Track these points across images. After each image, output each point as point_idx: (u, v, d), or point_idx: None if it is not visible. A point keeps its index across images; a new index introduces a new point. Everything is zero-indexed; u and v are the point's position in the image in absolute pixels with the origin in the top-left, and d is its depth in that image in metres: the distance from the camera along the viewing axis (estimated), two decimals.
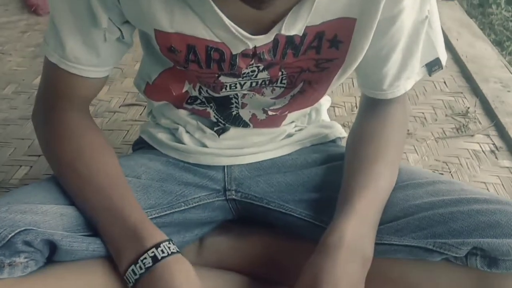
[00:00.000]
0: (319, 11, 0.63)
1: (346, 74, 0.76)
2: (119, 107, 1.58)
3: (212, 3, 0.61)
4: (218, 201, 0.86)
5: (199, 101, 0.83)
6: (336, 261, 0.63)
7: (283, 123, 0.88)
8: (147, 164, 0.85)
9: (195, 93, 0.81)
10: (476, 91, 1.69)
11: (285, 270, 0.84)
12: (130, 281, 0.64)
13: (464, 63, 1.84)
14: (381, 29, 0.67)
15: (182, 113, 0.87)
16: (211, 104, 0.83)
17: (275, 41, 0.66)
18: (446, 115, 1.56)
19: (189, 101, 0.84)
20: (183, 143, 0.87)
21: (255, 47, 0.66)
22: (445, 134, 1.46)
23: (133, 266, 0.63)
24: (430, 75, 0.78)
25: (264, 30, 0.64)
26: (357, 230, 0.66)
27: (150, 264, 0.62)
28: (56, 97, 0.75)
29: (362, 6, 0.64)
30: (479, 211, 0.64)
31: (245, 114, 0.84)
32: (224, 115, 0.84)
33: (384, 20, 0.66)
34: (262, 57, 0.68)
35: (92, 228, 0.69)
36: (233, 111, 0.83)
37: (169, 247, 0.65)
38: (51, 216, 0.65)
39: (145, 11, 0.64)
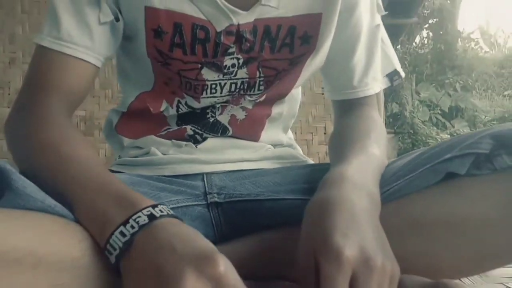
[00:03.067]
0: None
1: (316, 61, 0.81)
2: None
3: None
4: (198, 207, 0.76)
5: (175, 125, 0.82)
6: (343, 190, 0.55)
7: (262, 137, 0.86)
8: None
9: (172, 111, 0.81)
10: None
11: (282, 263, 0.71)
12: (115, 248, 0.49)
13: None
14: (342, 21, 0.78)
15: (154, 138, 0.83)
16: (188, 123, 0.82)
17: (255, 27, 0.74)
18: None
19: (163, 131, 0.83)
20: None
21: (238, 24, 0.72)
22: None
23: (121, 227, 0.49)
24: (392, 85, 0.86)
25: (246, 7, 0.72)
26: (358, 172, 0.60)
27: (146, 222, 0.49)
28: (42, 91, 0.70)
29: (325, 0, 0.75)
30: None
31: (223, 118, 0.83)
32: (202, 124, 0.82)
33: (344, 11, 0.77)
34: (244, 36, 0.73)
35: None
36: (210, 119, 0.82)
37: (168, 210, 0.52)
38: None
39: None
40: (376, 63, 0.83)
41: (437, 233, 0.59)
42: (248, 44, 0.75)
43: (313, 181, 0.73)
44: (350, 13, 0.79)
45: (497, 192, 0.57)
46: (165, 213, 0.51)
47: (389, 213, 0.59)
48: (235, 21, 0.73)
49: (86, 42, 0.72)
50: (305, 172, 0.80)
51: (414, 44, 10.22)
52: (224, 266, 0.44)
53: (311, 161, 0.91)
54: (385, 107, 7.72)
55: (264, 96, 0.82)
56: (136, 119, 0.85)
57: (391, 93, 8.08)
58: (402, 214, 0.61)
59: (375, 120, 0.81)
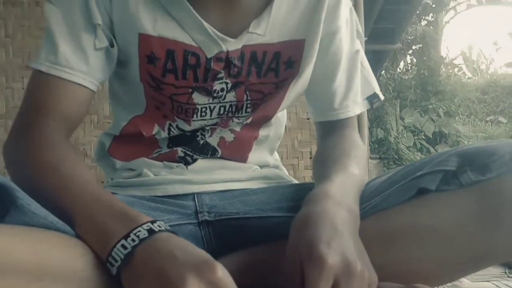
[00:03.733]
0: (276, 26, 0.79)
1: (299, 85, 0.85)
2: None
3: (191, 8, 0.74)
4: (190, 226, 0.79)
5: (166, 147, 0.85)
6: (326, 206, 0.60)
7: (250, 158, 0.89)
8: None
9: (164, 134, 0.84)
10: None
11: (270, 274, 0.73)
12: (117, 259, 0.52)
13: None
14: (324, 47, 0.83)
15: (146, 160, 0.86)
16: (179, 145, 0.85)
17: (243, 54, 0.78)
18: None
19: (154, 153, 0.86)
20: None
21: (227, 51, 0.77)
22: None
23: (123, 241, 0.53)
24: (372, 107, 0.91)
25: (235, 36, 0.77)
26: (339, 190, 0.65)
27: (146, 235, 0.53)
28: (40, 115, 0.72)
29: (308, 27, 0.81)
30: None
31: (213, 140, 0.86)
32: (192, 146, 0.85)
33: (325, 38, 0.83)
34: (233, 62, 0.78)
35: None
36: (200, 141, 0.85)
37: (165, 226, 0.57)
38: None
39: (132, 15, 0.75)
40: (356, 87, 0.87)
41: (411, 243, 0.64)
42: (236, 70, 0.79)
43: (297, 199, 0.77)
44: (331, 40, 0.84)
45: (463, 205, 0.62)
46: (163, 228, 0.55)
47: (368, 226, 0.63)
48: (224, 48, 0.77)
49: (82, 67, 0.75)
50: (290, 191, 0.83)
51: (398, 70, 10.41)
52: (222, 272, 0.49)
53: (296, 181, 0.95)
54: (370, 133, 7.82)
55: (251, 119, 0.86)
56: (128, 142, 0.87)
57: (376, 119, 8.19)
58: (380, 226, 0.65)
59: (355, 141, 0.85)
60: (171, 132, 0.84)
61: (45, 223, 0.54)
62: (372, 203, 0.68)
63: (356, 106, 0.88)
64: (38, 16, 2.66)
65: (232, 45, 0.78)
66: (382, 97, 0.91)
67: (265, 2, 0.79)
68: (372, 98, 0.89)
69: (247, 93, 0.82)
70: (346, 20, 0.85)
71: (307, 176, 2.61)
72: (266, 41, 0.79)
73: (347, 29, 0.86)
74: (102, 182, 0.94)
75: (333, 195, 0.63)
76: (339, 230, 0.56)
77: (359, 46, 0.88)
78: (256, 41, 0.79)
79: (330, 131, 0.88)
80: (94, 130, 2.35)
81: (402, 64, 10.81)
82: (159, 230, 0.54)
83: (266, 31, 0.78)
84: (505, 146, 0.62)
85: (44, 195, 0.61)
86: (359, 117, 3.44)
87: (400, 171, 0.70)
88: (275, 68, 0.81)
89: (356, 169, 0.74)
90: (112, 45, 0.77)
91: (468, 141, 9.72)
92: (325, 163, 0.78)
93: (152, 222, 0.55)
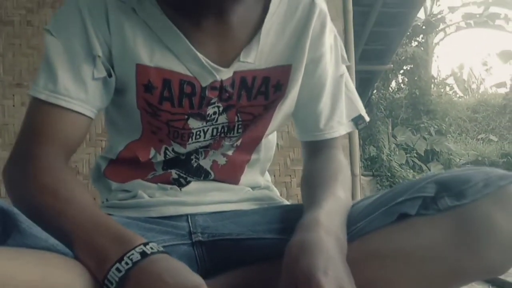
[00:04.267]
0: (264, 53, 0.83)
1: (286, 106, 0.89)
2: None
3: (187, 41, 0.78)
4: (184, 246, 0.82)
5: (161, 170, 0.88)
6: (318, 234, 0.64)
7: (241, 180, 0.92)
8: None
9: (160, 157, 0.86)
10: None
11: None
12: (112, 282, 0.56)
13: None
14: (309, 71, 0.87)
15: (141, 182, 0.89)
16: (173, 168, 0.88)
17: (233, 80, 0.82)
18: None
19: (150, 175, 0.88)
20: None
21: (221, 80, 0.81)
22: None
23: (117, 264, 0.57)
24: (358, 129, 0.94)
25: (227, 65, 0.81)
26: (328, 218, 0.68)
27: (139, 258, 0.57)
28: (40, 142, 0.74)
29: (294, 53, 0.85)
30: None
31: (206, 162, 0.89)
32: (186, 168, 0.88)
33: (310, 63, 0.87)
34: (226, 89, 0.81)
35: None
36: (194, 164, 0.88)
37: (158, 247, 0.60)
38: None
39: (130, 46, 0.78)
40: (340, 109, 0.91)
41: (394, 264, 0.68)
42: (228, 94, 0.83)
43: (288, 221, 0.81)
44: (316, 65, 0.88)
45: (441, 229, 0.66)
46: (155, 250, 0.59)
47: (354, 249, 0.67)
48: (218, 77, 0.81)
49: (81, 95, 0.77)
50: (281, 212, 0.86)
51: (390, 89, 10.53)
52: None
53: (286, 201, 0.98)
54: (363, 150, 7.87)
55: (240, 141, 0.89)
56: (124, 166, 0.90)
57: (369, 136, 8.26)
58: (365, 249, 0.69)
59: (341, 162, 0.89)
60: (167, 156, 0.87)
61: (46, 246, 0.58)
62: (358, 227, 0.71)
63: (341, 127, 0.91)
64: (29, 35, 2.71)
65: (225, 74, 0.81)
66: (367, 119, 0.95)
67: (253, 31, 0.83)
68: (357, 120, 0.93)
69: (238, 115, 0.85)
70: (330, 46, 0.89)
71: (300, 193, 2.64)
72: (255, 67, 0.83)
73: (332, 54, 0.90)
74: (101, 202, 0.96)
75: (323, 223, 0.66)
76: (332, 258, 0.60)
77: (344, 70, 0.92)
78: (246, 67, 0.82)
79: (316, 151, 0.92)
80: (86, 148, 2.37)
81: (393, 83, 10.97)
82: (152, 253, 0.58)
83: (255, 59, 0.82)
84: (478, 173, 0.67)
85: (44, 218, 0.64)
86: (350, 135, 3.47)
87: (383, 195, 0.74)
88: (264, 91, 0.85)
89: (342, 194, 0.78)
90: (110, 75, 0.80)
91: (460, 159, 9.81)
92: (314, 186, 0.81)
93: (145, 244, 0.59)
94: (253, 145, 0.92)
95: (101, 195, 0.94)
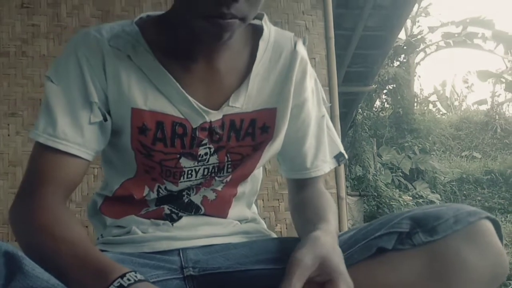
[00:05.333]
0: (251, 98, 0.88)
1: (273, 147, 0.94)
2: None
3: (178, 85, 0.83)
4: (176, 281, 0.84)
5: (154, 206, 0.91)
6: (328, 242, 0.72)
7: (229, 214, 0.96)
8: None
9: (153, 195, 0.90)
10: None
11: None
12: None
13: None
14: (294, 115, 0.93)
15: (135, 217, 0.92)
16: (165, 204, 0.91)
17: (223, 122, 0.87)
18: None
19: (143, 211, 0.91)
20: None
21: (210, 121, 0.85)
22: None
23: None
24: (339, 165, 1.01)
25: (216, 108, 0.86)
26: (325, 234, 0.74)
27: None
28: (40, 182, 0.79)
29: (279, 97, 0.91)
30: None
31: (196, 198, 0.92)
32: (177, 204, 0.92)
33: (295, 107, 0.92)
34: (215, 130, 0.86)
35: None
36: (185, 200, 0.92)
37: (135, 276, 0.63)
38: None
39: (125, 91, 0.83)
40: (324, 148, 0.97)
41: None
42: (218, 136, 0.87)
43: (275, 252, 0.85)
44: (300, 109, 0.93)
45: (416, 263, 0.71)
46: (132, 280, 0.62)
47: None
48: (208, 119, 0.85)
49: (78, 139, 0.81)
50: (268, 244, 0.90)
51: (374, 109, 10.68)
52: None
53: (274, 234, 1.02)
54: (350, 170, 7.94)
55: (230, 177, 0.93)
56: (119, 203, 0.93)
57: (355, 156, 8.34)
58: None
59: (327, 195, 0.95)
60: (160, 193, 0.91)
61: (47, 286, 0.62)
62: (343, 249, 0.76)
63: (325, 165, 0.97)
64: (23, 66, 2.75)
65: (214, 116, 0.86)
66: (346, 156, 1.01)
67: (241, 77, 0.88)
68: (338, 157, 0.99)
69: (228, 155, 0.90)
70: (312, 90, 0.95)
71: (288, 217, 2.65)
72: (243, 111, 0.88)
73: (314, 98, 0.96)
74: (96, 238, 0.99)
75: (322, 239, 0.72)
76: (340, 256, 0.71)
77: (325, 111, 0.99)
78: (234, 111, 0.87)
79: (303, 186, 0.97)
80: None
81: (377, 103, 11.15)
82: (128, 284, 0.61)
83: (243, 103, 0.87)
84: (449, 210, 0.73)
85: (44, 258, 0.68)
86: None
87: (361, 230, 0.80)
88: (251, 132, 0.90)
89: (334, 220, 0.84)
90: (106, 119, 0.84)
91: (445, 177, 9.92)
92: (307, 214, 0.87)
93: (123, 275, 0.62)
94: (241, 180, 0.96)
95: (96, 230, 0.97)
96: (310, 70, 0.94)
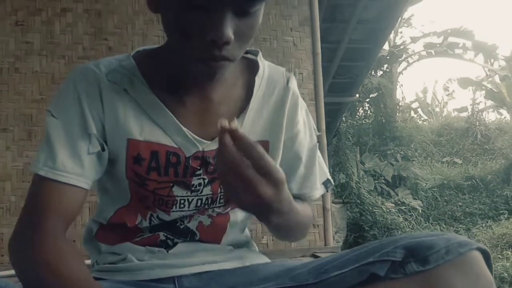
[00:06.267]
0: (245, 130, 0.90)
1: None
2: None
3: (172, 116, 0.86)
4: None
5: (148, 232, 0.94)
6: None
7: (224, 239, 0.98)
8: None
9: (145, 223, 0.93)
10: None
11: None
12: None
13: None
14: (287, 147, 0.96)
15: (130, 245, 0.94)
16: (160, 230, 0.94)
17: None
18: None
19: (137, 237, 0.94)
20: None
21: (203, 151, 0.88)
22: None
23: None
24: (327, 191, 1.05)
25: (211, 138, 0.89)
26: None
27: None
28: (41, 214, 0.80)
29: (271, 130, 0.94)
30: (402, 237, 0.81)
31: (192, 224, 0.95)
32: (173, 231, 0.94)
33: (288, 140, 0.96)
34: (208, 160, 0.89)
35: None
36: (180, 226, 0.94)
37: None
38: None
39: (122, 123, 0.86)
40: (314, 176, 1.00)
41: None
42: (212, 167, 0.90)
43: (269, 276, 0.88)
44: (293, 142, 0.97)
45: None
46: None
47: None
48: (201, 148, 0.88)
49: (77, 170, 0.83)
50: (263, 269, 0.93)
51: (357, 116, 10.79)
52: None
53: (267, 258, 1.05)
54: (333, 178, 7.97)
55: (229, 208, 0.96)
56: (113, 230, 0.95)
57: (338, 164, 8.42)
58: None
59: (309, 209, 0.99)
60: (152, 222, 0.93)
61: None
62: (330, 277, 0.80)
63: (315, 191, 1.01)
64: (16, 82, 2.78)
65: (208, 147, 0.89)
66: (333, 182, 1.05)
67: (236, 110, 0.91)
68: (326, 183, 1.03)
69: (221, 186, 0.91)
70: (303, 121, 0.99)
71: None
72: None
73: (306, 128, 0.99)
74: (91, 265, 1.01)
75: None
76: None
77: (315, 141, 1.02)
78: None
79: None
80: None
81: (361, 111, 11.26)
82: None
83: None
84: (441, 239, 0.75)
85: None
86: None
87: (355, 251, 0.83)
88: None
89: (309, 210, 0.93)
90: (103, 149, 0.87)
91: (426, 183, 10.04)
92: None
93: None
94: (235, 208, 0.98)
95: (91, 257, 0.99)
96: (301, 103, 0.98)
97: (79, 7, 2.98)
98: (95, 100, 0.86)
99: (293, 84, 0.97)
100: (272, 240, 3.09)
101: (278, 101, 0.94)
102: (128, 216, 0.92)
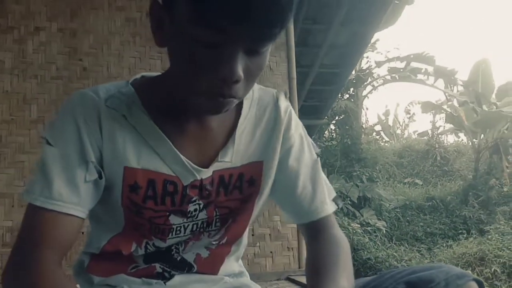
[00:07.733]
0: (239, 153, 0.91)
1: (262, 200, 0.97)
2: None
3: (171, 145, 0.86)
4: None
5: (143, 263, 0.92)
6: None
7: (220, 270, 0.99)
8: None
9: (141, 251, 0.91)
10: None
11: None
12: None
13: None
14: (282, 163, 0.95)
15: (125, 276, 0.93)
16: (156, 261, 0.93)
17: (213, 179, 0.90)
18: None
19: (133, 269, 0.93)
20: None
21: (201, 179, 0.88)
22: None
23: None
24: (339, 208, 1.02)
25: (207, 165, 0.89)
26: None
27: None
28: (36, 245, 0.77)
29: (265, 151, 0.94)
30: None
31: (189, 256, 0.95)
32: (169, 262, 0.93)
33: (282, 157, 0.95)
34: (205, 187, 0.89)
35: None
36: (177, 257, 0.94)
37: None
38: None
39: (119, 150, 0.84)
40: (321, 190, 0.96)
41: None
42: (207, 192, 0.89)
43: None
44: (288, 155, 0.95)
45: None
46: None
47: None
48: (198, 177, 0.88)
49: (74, 199, 0.81)
50: None
51: (323, 138, 10.95)
52: None
53: (259, 287, 1.04)
54: None
55: (225, 239, 0.96)
56: (107, 260, 0.93)
57: None
58: None
59: (339, 242, 0.91)
60: (147, 249, 0.91)
61: None
62: None
63: (326, 206, 0.96)
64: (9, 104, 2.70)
65: (205, 174, 0.88)
66: (341, 200, 1.07)
67: (229, 133, 0.91)
68: (336, 199, 1.00)
69: (216, 210, 0.92)
70: (301, 136, 0.98)
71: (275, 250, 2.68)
72: (231, 166, 0.90)
73: (305, 141, 0.98)
74: None
75: None
76: None
77: (315, 156, 1.00)
78: (224, 166, 0.90)
79: (314, 233, 0.96)
80: None
81: (326, 133, 11.44)
82: None
83: (232, 158, 0.90)
84: (440, 273, 0.79)
85: None
86: None
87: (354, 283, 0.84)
88: (239, 186, 0.92)
89: (346, 283, 0.83)
90: (100, 177, 0.85)
91: (389, 204, 10.24)
92: (317, 273, 0.85)
93: None
94: (235, 239, 0.99)
95: None
96: (295, 120, 0.97)
97: (53, 26, 2.92)
98: (94, 126, 0.83)
99: (284, 102, 0.97)
100: (248, 264, 3.07)
101: (270, 121, 0.94)
102: (123, 244, 0.90)
